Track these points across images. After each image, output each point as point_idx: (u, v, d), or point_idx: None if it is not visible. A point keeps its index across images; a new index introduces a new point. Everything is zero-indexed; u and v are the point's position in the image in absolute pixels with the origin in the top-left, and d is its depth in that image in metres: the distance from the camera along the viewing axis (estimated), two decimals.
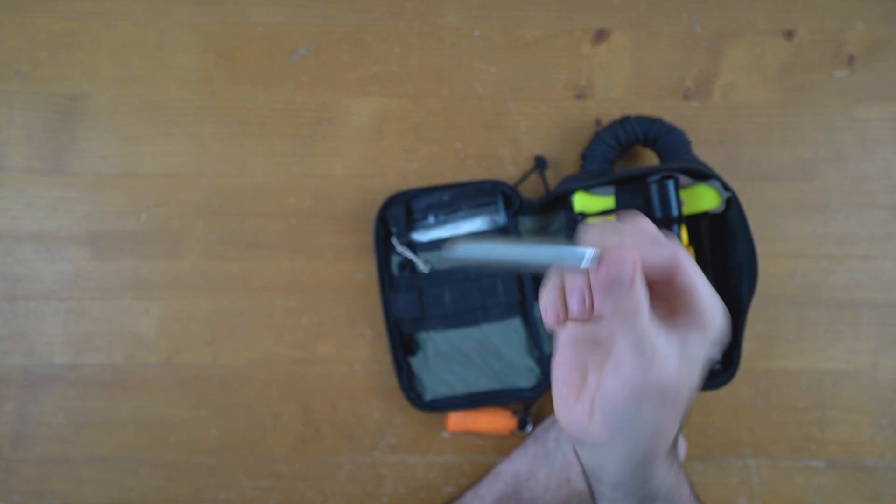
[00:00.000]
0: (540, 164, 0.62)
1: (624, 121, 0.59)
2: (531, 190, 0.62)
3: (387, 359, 0.61)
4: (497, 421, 0.60)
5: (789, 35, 0.63)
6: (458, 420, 0.59)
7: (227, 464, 0.61)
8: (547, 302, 0.33)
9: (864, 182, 0.62)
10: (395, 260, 0.59)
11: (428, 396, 0.59)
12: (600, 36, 0.64)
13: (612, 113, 0.63)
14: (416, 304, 0.58)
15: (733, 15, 0.63)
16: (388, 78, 0.63)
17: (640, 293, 0.30)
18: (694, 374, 0.32)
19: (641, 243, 0.30)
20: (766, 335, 0.62)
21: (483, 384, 0.58)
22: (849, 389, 0.61)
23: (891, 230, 0.62)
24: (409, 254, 0.58)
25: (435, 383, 0.59)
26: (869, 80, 0.63)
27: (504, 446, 0.61)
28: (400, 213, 0.58)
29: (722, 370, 0.55)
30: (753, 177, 0.62)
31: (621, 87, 0.63)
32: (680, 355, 0.31)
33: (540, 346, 0.57)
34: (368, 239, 0.62)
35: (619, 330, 0.30)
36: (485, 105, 0.63)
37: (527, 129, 0.63)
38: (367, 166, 0.63)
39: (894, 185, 0.62)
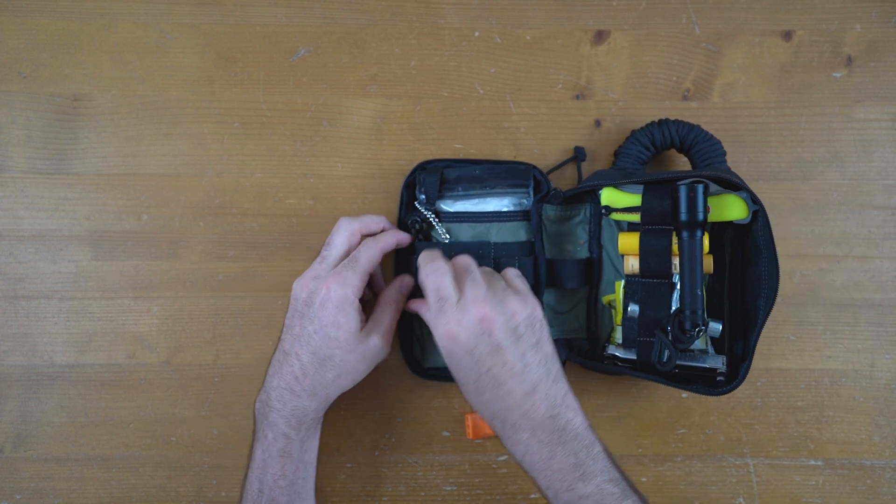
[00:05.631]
0: (578, 155, 0.62)
1: (662, 123, 0.58)
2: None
3: (386, 357, 0.62)
4: None
5: (788, 36, 0.63)
6: (478, 426, 0.59)
7: (228, 463, 0.61)
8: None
9: (863, 182, 0.63)
10: (414, 227, 0.60)
11: (427, 364, 0.60)
12: (600, 36, 0.64)
13: (611, 113, 0.63)
14: None
15: (732, 16, 0.64)
16: (388, 78, 0.63)
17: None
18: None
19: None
20: (764, 335, 0.61)
21: None
22: (847, 389, 0.62)
23: (889, 230, 0.62)
24: (434, 220, 0.58)
25: (437, 352, 0.59)
26: (867, 80, 0.63)
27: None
28: (434, 181, 0.58)
29: (725, 381, 0.55)
30: (752, 177, 0.63)
31: (621, 87, 0.63)
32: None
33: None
34: None
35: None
36: (485, 105, 0.63)
37: (526, 129, 0.63)
38: (367, 166, 0.63)
39: (892, 185, 0.62)
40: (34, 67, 0.63)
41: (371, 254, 0.53)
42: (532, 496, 0.61)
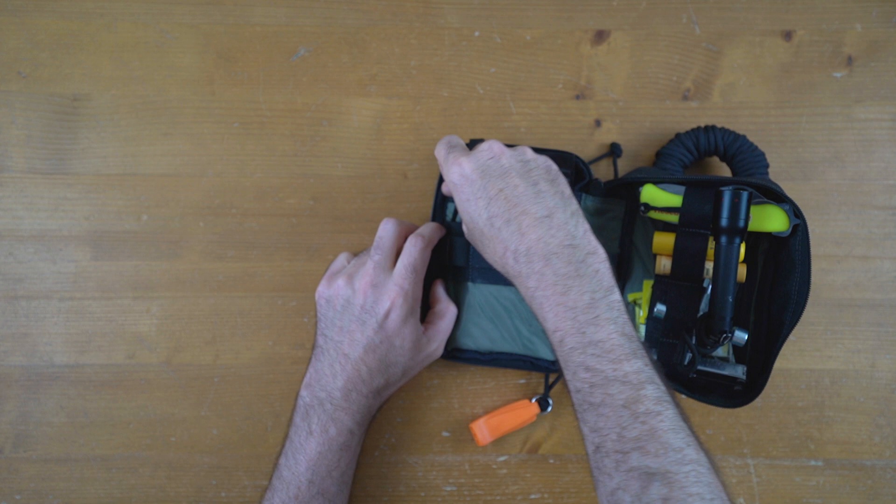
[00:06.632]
0: (615, 151, 0.62)
1: (708, 129, 0.58)
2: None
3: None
4: (521, 414, 0.60)
5: (788, 36, 0.63)
6: (484, 432, 0.59)
7: (228, 463, 0.61)
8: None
9: (863, 182, 0.62)
10: (450, 207, 0.60)
11: (450, 345, 0.60)
12: (600, 36, 0.64)
13: (611, 113, 0.63)
14: (463, 252, 0.58)
15: (732, 15, 0.64)
16: (388, 78, 0.63)
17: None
18: None
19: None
20: None
21: (507, 346, 0.59)
22: (847, 389, 0.62)
23: (889, 230, 0.62)
24: None
25: (461, 335, 0.60)
26: (867, 80, 0.63)
27: (504, 446, 0.61)
28: None
29: (743, 392, 0.54)
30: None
31: (621, 87, 0.63)
32: None
33: None
34: (368, 239, 0.62)
35: None
36: (485, 105, 0.63)
37: (526, 129, 0.63)
38: (367, 166, 0.63)
39: (892, 185, 0.62)
40: (34, 67, 0.63)
41: (426, 257, 0.55)
42: (532, 496, 0.61)
